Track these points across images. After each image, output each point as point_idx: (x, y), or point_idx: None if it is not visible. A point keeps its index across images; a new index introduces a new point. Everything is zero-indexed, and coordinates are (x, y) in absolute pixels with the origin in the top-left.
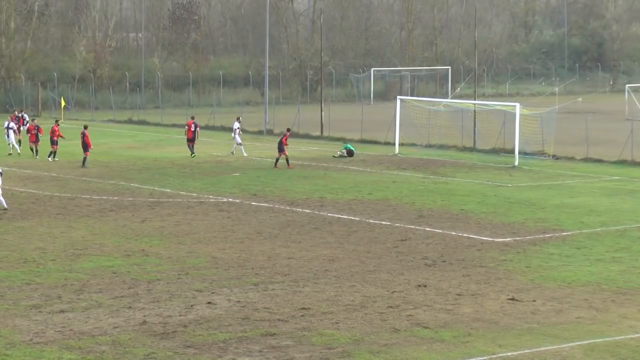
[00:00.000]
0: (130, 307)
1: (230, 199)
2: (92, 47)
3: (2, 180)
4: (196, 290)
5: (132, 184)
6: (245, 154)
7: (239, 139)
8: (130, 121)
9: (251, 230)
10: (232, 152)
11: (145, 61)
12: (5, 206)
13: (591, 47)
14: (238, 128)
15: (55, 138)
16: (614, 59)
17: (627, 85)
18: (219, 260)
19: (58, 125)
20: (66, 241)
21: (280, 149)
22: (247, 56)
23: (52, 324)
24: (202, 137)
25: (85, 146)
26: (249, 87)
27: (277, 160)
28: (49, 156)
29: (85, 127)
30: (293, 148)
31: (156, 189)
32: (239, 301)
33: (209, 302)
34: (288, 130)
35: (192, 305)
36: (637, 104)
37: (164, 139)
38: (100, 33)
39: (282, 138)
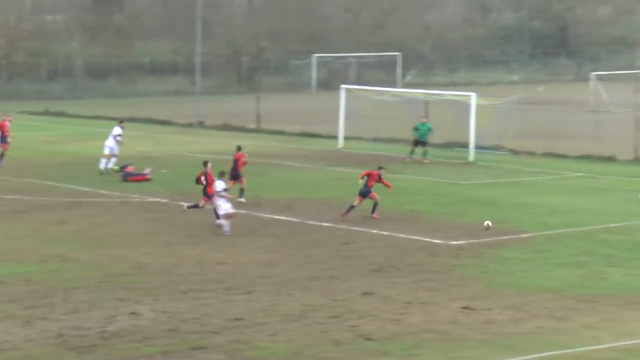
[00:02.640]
0: (45, 319)
1: (158, 199)
2: (4, 30)
3: None
4: (118, 300)
5: (48, 182)
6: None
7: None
8: (47, 112)
9: (180, 233)
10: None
11: (64, 46)
12: None
13: (554, 32)
14: (119, 135)
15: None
16: (579, 45)
17: (593, 73)
18: (144, 266)
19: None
20: None
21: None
22: (177, 41)
23: None
24: (125, 130)
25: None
26: (178, 75)
27: (352, 207)
28: None
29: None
30: (226, 142)
31: (75, 187)
32: (165, 311)
33: (132, 313)
34: (380, 168)
35: (113, 316)
36: (603, 93)
37: (85, 132)
38: (14, 15)
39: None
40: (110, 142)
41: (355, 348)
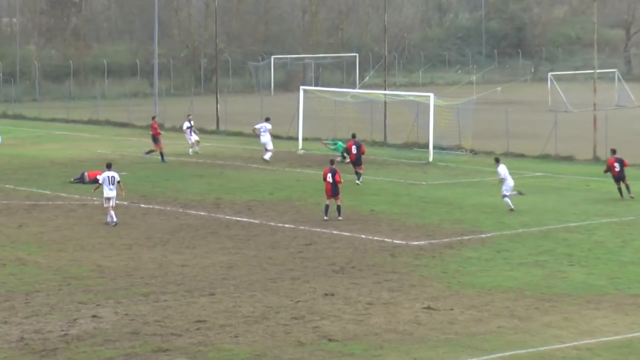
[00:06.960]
0: (5, 322)
1: (117, 201)
2: None
3: None
4: (79, 303)
5: (6, 185)
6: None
7: (193, 137)
8: (4, 115)
9: (140, 235)
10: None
11: (20, 49)
12: None
13: (511, 32)
14: (189, 128)
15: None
16: (536, 45)
17: (550, 74)
18: (105, 269)
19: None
20: None
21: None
22: (134, 43)
23: None
24: (83, 133)
25: None
26: (136, 78)
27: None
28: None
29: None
30: (184, 144)
31: (34, 190)
32: (127, 314)
33: (94, 316)
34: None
35: (75, 319)
36: (561, 93)
37: (43, 135)
38: None
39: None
40: (187, 134)
41: (319, 349)
